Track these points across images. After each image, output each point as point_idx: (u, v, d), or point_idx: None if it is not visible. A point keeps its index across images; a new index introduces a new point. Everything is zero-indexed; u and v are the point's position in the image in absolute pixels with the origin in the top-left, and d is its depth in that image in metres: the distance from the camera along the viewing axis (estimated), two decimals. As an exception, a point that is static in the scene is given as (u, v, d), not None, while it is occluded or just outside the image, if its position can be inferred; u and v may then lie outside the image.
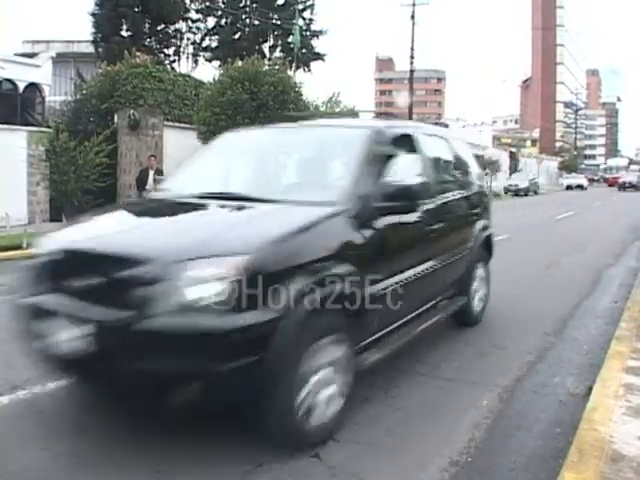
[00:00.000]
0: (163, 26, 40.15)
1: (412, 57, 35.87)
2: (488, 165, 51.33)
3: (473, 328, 7.40)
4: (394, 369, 5.87)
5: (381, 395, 5.25)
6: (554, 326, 7.61)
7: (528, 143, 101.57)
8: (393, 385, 5.48)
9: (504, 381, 5.63)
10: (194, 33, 44.18)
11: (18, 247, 13.96)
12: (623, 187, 61.86)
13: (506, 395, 5.31)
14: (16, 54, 29.67)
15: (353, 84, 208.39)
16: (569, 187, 66.51)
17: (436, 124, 8.76)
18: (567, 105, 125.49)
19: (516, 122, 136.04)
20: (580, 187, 65.39)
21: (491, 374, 5.83)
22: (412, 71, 36.47)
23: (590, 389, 5.14)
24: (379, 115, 10.09)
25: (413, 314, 5.72)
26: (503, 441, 4.49)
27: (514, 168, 65.14)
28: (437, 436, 4.58)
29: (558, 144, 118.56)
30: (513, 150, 71.08)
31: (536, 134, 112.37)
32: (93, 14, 37.34)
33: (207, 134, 21.07)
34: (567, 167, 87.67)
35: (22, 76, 23.97)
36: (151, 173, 16.42)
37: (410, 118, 37.28)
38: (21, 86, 21.88)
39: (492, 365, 6.12)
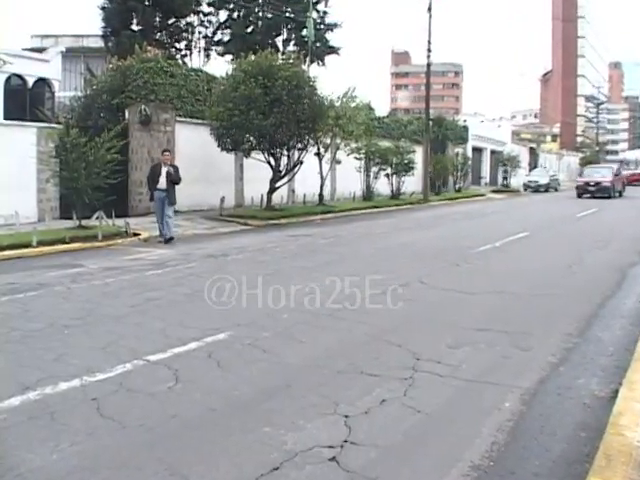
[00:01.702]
0: (174, 20, 40.25)
1: (429, 50, 35.64)
2: (507, 161, 51.11)
3: (494, 329, 7.36)
4: (413, 370, 5.86)
5: (400, 397, 5.23)
6: (577, 326, 7.56)
7: (548, 138, 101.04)
8: (412, 387, 5.46)
9: (526, 383, 5.59)
10: (206, 27, 44.26)
11: (28, 245, 14.04)
12: (584, 191, 39.62)
13: (529, 397, 5.27)
14: (24, 49, 29.85)
15: (368, 78, 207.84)
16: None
17: None
18: (588, 99, 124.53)
19: (536, 117, 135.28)
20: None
21: (513, 376, 5.80)
22: (429, 65, 36.23)
23: (616, 392, 5.09)
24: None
25: None
26: (526, 445, 4.45)
27: (534, 164, 64.83)
28: (458, 439, 4.55)
29: (579, 139, 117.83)
30: (533, 146, 70.80)
31: (556, 129, 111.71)
32: (103, 8, 37.47)
33: (220, 130, 21.10)
34: (589, 163, 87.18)
35: (31, 71, 24.14)
36: (164, 170, 16.19)
37: (427, 113, 37.13)
38: (30, 81, 22.03)
39: (514, 366, 6.08)
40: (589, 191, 39.19)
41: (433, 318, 8.03)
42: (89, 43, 41.52)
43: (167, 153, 16.99)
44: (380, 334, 7.12)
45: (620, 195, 40.62)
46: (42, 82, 24.96)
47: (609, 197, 37.86)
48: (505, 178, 50.71)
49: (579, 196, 39.28)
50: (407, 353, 6.41)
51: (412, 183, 36.82)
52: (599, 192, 38.41)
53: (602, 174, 40.26)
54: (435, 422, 4.84)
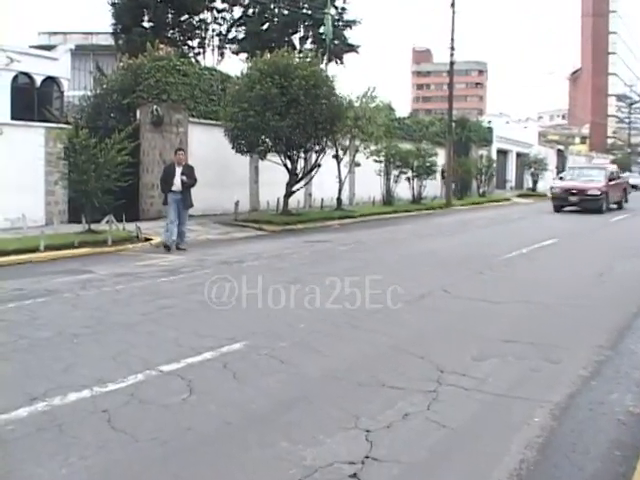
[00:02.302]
0: (187, 16, 40.46)
1: (452, 48, 35.57)
2: (533, 164, 50.89)
3: (522, 340, 7.32)
4: (437, 383, 5.84)
5: (424, 411, 5.22)
6: (609, 338, 7.50)
7: (577, 140, 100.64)
8: (437, 400, 5.44)
9: (556, 397, 5.55)
10: (220, 24, 44.46)
11: (35, 250, 14.14)
12: (564, 202, 29.48)
13: (559, 412, 5.23)
14: (32, 46, 30.11)
15: (388, 77, 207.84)
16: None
17: None
18: (620, 98, 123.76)
19: (564, 117, 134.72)
20: (635, 187, 64.28)
21: (542, 389, 5.76)
22: (452, 63, 36.17)
23: (652, 408, 5.05)
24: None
25: None
26: (558, 463, 4.42)
27: (562, 167, 64.47)
28: (485, 456, 4.53)
29: (610, 141, 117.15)
30: (561, 148, 70.46)
31: (586, 130, 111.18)
32: (113, 4, 37.75)
33: (234, 131, 21.16)
34: (620, 165, 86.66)
35: (39, 69, 24.34)
36: (178, 170, 16.01)
37: (450, 114, 37.06)
38: (38, 80, 22.22)
39: (543, 380, 6.04)
40: (570, 202, 29.15)
41: (457, 329, 8.01)
42: (99, 41, 41.84)
43: (181, 152, 16.66)
44: (402, 345, 7.11)
45: (620, 207, 32.19)
46: (50, 81, 25.16)
47: (599, 212, 28.23)
48: (535, 182, 50.38)
49: (557, 210, 29.56)
50: (430, 365, 6.39)
51: (434, 187, 36.78)
52: (585, 204, 28.53)
53: (591, 178, 30.41)
54: (461, 438, 4.81)
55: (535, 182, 50.70)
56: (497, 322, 8.32)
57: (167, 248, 15.47)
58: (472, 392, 5.66)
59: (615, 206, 31.49)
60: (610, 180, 30.46)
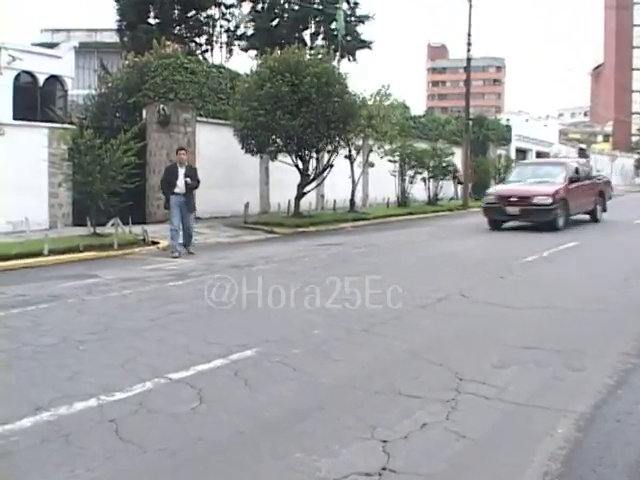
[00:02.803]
0: (194, 12, 40.59)
1: (469, 43, 35.51)
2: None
3: (544, 347, 7.29)
4: (456, 391, 5.82)
5: (443, 420, 5.19)
6: (636, 345, 7.45)
7: (599, 138, 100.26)
8: (456, 410, 5.42)
9: (581, 407, 5.51)
10: (228, 20, 44.60)
11: (39, 254, 14.20)
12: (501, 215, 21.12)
13: (584, 423, 5.19)
14: (34, 44, 30.23)
15: (403, 74, 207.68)
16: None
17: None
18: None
19: (585, 115, 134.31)
20: None
21: (566, 399, 5.72)
22: (469, 59, 36.11)
23: (683, 418, 5.00)
24: None
25: None
26: (583, 476, 4.38)
27: (584, 166, 64.19)
28: (507, 468, 4.50)
29: (635, 139, 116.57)
30: (582, 146, 70.27)
31: (609, 128, 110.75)
32: (117, 0, 37.87)
33: (244, 131, 21.20)
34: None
35: (42, 68, 24.43)
36: (181, 171, 15.74)
37: (467, 112, 36.99)
38: (41, 79, 22.32)
39: (567, 389, 6.01)
40: (510, 215, 21.32)
41: (476, 334, 7.98)
42: (103, 38, 42.05)
43: (183, 152, 16.27)
44: (419, 352, 7.09)
45: (594, 219, 24.16)
46: (54, 80, 25.24)
47: (553, 227, 20.58)
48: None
49: (493, 227, 21.81)
50: (449, 373, 6.37)
51: (450, 188, 36.74)
52: (530, 217, 21.17)
53: (544, 179, 22.23)
54: (481, 449, 4.79)
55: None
56: (517, 328, 8.29)
57: (177, 255, 15.10)
58: (492, 401, 5.63)
59: (587, 217, 24.11)
60: (573, 181, 22.11)
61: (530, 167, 25.43)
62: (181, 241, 15.69)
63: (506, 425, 5.20)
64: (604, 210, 24.66)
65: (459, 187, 37.64)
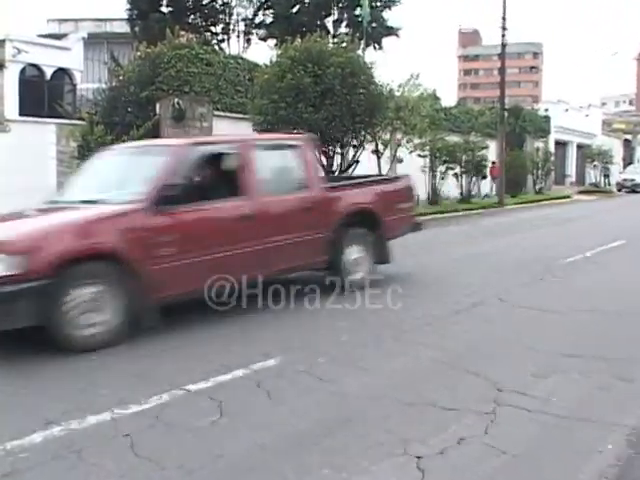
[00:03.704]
0: (209, 0, 40.66)
1: (504, 28, 35.31)
2: (596, 156, 50.34)
3: (589, 355, 7.23)
4: (494, 402, 5.78)
5: (481, 435, 5.16)
6: (691, 352, 7.38)
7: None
8: (494, 423, 5.38)
9: (632, 420, 5.45)
10: (245, 7, 44.66)
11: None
12: None
13: (636, 439, 5.12)
14: (40, 35, 30.43)
15: (433, 63, 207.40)
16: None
17: None
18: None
19: (631, 103, 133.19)
20: None
21: (614, 411, 5.67)
22: (504, 45, 35.89)
23: None
24: None
25: None
26: (637, 497, 4.34)
27: (629, 159, 63.72)
28: (551, 486, 4.47)
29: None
30: (628, 137, 69.62)
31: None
32: (128, -13, 38.12)
33: (264, 125, 21.20)
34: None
35: (49, 60, 24.59)
36: None
37: (502, 102, 36.78)
38: (48, 72, 22.47)
39: (616, 401, 5.95)
40: None
41: (515, 341, 7.92)
42: (113, 28, 42.22)
43: None
44: (454, 360, 7.06)
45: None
46: (62, 73, 25.39)
47: None
48: (607, 176, 49.73)
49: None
50: (486, 383, 6.33)
51: (485, 184, 36.58)
52: None
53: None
54: (523, 465, 4.75)
55: (606, 176, 50.09)
56: (560, 334, 8.23)
57: None
58: (534, 414, 5.59)
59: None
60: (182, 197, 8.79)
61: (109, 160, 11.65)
62: None
63: (549, 440, 5.15)
64: (381, 260, 11.77)
65: (491, 183, 37.47)
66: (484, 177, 34.82)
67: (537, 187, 42.02)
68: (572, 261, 14.09)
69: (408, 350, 7.48)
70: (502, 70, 37.25)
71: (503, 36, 35.64)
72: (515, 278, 12.20)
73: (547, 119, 50.15)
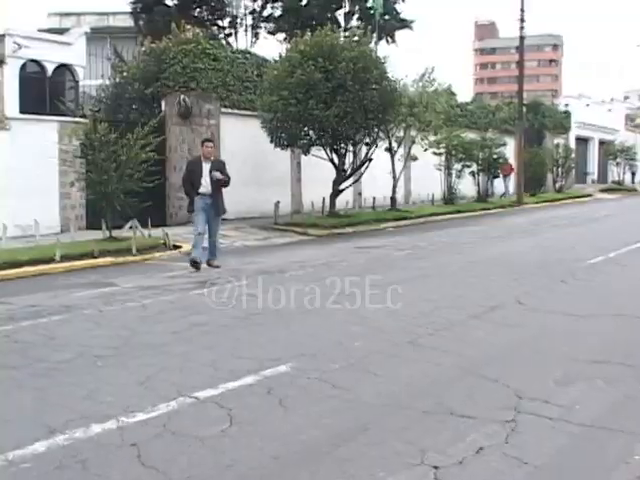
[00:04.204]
0: (216, -8, 40.69)
1: (522, 20, 35.28)
2: (619, 153, 50.15)
3: (614, 361, 7.19)
4: (515, 411, 5.75)
5: (501, 444, 5.13)
6: None
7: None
8: (515, 432, 5.35)
9: (660, 430, 5.43)
10: (253, 0, 44.61)
11: (50, 260, 14.32)
12: None
13: (665, 449, 5.11)
14: (41, 30, 30.49)
15: (448, 57, 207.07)
16: None
17: None
18: None
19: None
20: None
21: (642, 420, 5.65)
22: (522, 37, 35.83)
23: None
24: None
25: None
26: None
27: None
28: (576, 498, 4.45)
29: None
30: (652, 133, 69.35)
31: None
32: (132, -20, 38.20)
33: (273, 122, 21.23)
34: None
35: (50, 56, 24.57)
36: (206, 167, 14.30)
37: (520, 97, 36.71)
38: (49, 68, 22.43)
39: (641, 408, 5.93)
40: None
41: (536, 347, 7.90)
42: (117, 22, 42.33)
43: (209, 144, 15.01)
44: (472, 367, 7.04)
45: None
46: (63, 69, 25.34)
47: None
48: (633, 174, 49.50)
49: None
50: (507, 390, 6.31)
51: (510, 181, 36.56)
52: None
53: None
54: (545, 477, 4.73)
55: (633, 174, 49.85)
56: (583, 339, 8.20)
57: (196, 267, 13.84)
58: (557, 422, 5.56)
59: None
60: None
61: None
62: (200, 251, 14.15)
63: (573, 450, 5.12)
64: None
65: (509, 181, 37.39)
66: (495, 176, 34.73)
67: (557, 185, 41.90)
68: (595, 262, 14.05)
69: (425, 356, 7.46)
70: (520, 63, 37.20)
71: (521, 28, 35.59)
72: (535, 281, 12.17)
73: (567, 114, 50.02)
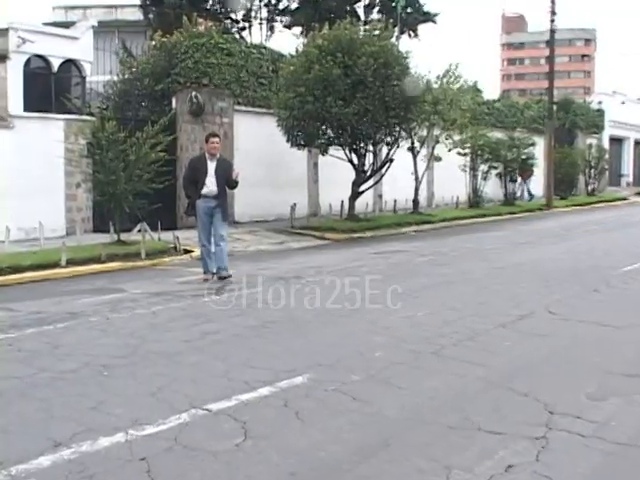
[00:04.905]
0: (229, -16, 40.74)
1: (553, 12, 35.18)
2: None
3: (650, 373, 7.16)
4: (546, 427, 5.73)
5: (531, 462, 5.11)
6: None
7: None
8: (546, 449, 5.33)
9: (701, 448, 5.39)
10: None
11: (55, 265, 14.38)
12: None
13: None
14: (46, 23, 30.66)
15: (473, 52, 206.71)
16: None
17: None
18: None
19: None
20: None
21: (681, 438, 5.61)
22: (553, 31, 35.72)
23: None
24: None
25: None
26: None
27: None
28: (611, 520, 4.43)
29: None
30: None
31: None
32: (141, -29, 38.30)
33: (290, 121, 21.25)
34: None
35: (56, 51, 24.69)
36: (211, 166, 13.48)
37: (550, 94, 36.61)
38: (55, 63, 22.54)
39: (681, 425, 5.89)
40: None
41: (568, 359, 7.87)
42: (125, 15, 42.47)
43: (215, 139, 13.87)
44: (500, 379, 7.02)
45: None
46: (70, 64, 25.44)
47: None
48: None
49: None
50: (537, 405, 6.29)
51: (531, 184, 36.42)
52: None
53: None
54: (579, 496, 4.72)
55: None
56: (618, 351, 8.16)
57: (206, 280, 13.43)
58: (590, 440, 5.53)
59: None
60: None
61: None
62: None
63: (608, 470, 5.10)
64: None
65: (529, 184, 37.23)
66: (513, 180, 34.53)
67: (589, 188, 41.75)
68: (630, 270, 13.99)
69: (449, 367, 7.44)
70: (551, 59, 37.08)
71: (552, 21, 35.48)
72: (566, 288, 12.13)
73: (601, 112, 49.81)
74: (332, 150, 22.37)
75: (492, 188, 32.13)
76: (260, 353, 8.09)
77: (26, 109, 19.94)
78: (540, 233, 22.53)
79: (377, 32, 22.90)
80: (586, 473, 5.00)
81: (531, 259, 15.99)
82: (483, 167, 31.16)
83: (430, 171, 30.34)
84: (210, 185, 13.39)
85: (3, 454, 5.22)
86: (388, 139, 22.97)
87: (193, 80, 23.16)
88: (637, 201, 40.32)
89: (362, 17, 41.95)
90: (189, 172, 14.01)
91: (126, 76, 25.42)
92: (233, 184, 13.93)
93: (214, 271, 13.45)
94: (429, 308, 10.40)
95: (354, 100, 20.59)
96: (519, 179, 35.43)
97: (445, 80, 26.81)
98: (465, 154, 30.01)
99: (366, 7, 44.71)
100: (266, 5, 44.46)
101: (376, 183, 25.20)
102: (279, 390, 6.66)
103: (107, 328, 9.51)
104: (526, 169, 34.95)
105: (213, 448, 5.38)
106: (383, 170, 24.00)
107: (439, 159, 28.44)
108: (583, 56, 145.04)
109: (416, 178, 26.77)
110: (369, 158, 23.44)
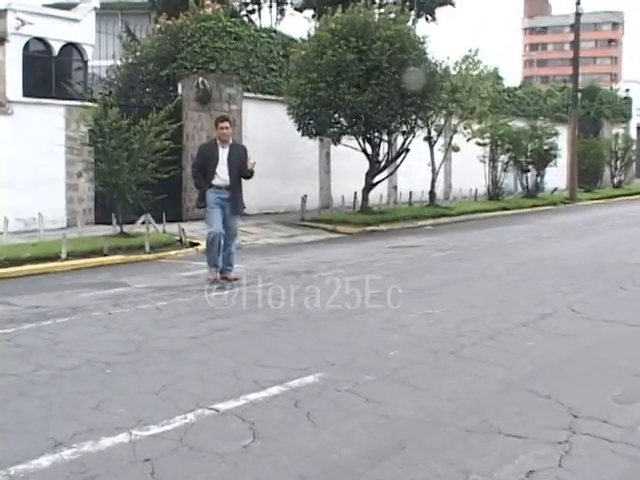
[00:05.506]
0: (238, -36, 40.74)
1: (578, -5, 35.09)
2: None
3: (679, 375, 7.13)
4: (569, 431, 5.71)
5: (554, 467, 5.09)
6: None
7: None
8: (570, 454, 5.31)
9: None
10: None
11: (55, 257, 14.42)
12: None
13: None
14: (46, 5, 30.69)
15: (494, 37, 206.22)
16: None
17: None
18: None
19: None
20: None
21: None
22: (578, 14, 35.58)
23: None
24: None
25: None
26: None
27: None
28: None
29: None
30: None
31: None
32: (146, -50, 38.32)
33: (301, 108, 21.24)
34: None
35: (57, 34, 24.74)
36: (223, 153, 12.74)
37: (575, 82, 36.47)
38: (56, 47, 22.58)
39: None
40: None
41: (592, 360, 7.85)
42: (128, -4, 42.47)
43: (225, 124, 13.02)
44: (521, 381, 7.00)
45: None
46: (71, 48, 25.48)
47: None
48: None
49: None
50: (559, 407, 6.27)
51: (554, 176, 36.29)
52: None
53: None
54: (605, 504, 4.70)
55: None
56: (645, 351, 8.14)
57: (213, 280, 12.64)
58: (617, 445, 5.50)
59: None
60: None
61: None
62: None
63: (636, 476, 5.09)
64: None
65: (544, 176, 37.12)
66: (525, 171, 34.36)
67: (615, 180, 41.63)
68: (658, 267, 13.96)
69: (468, 368, 7.43)
70: (575, 44, 36.94)
71: (577, 3, 35.34)
72: (591, 286, 12.10)
73: (628, 101, 49.64)
74: (345, 139, 22.38)
75: (513, 180, 32.06)
76: (270, 351, 8.09)
77: (25, 94, 19.98)
78: (563, 227, 22.49)
79: (393, 15, 22.87)
80: (613, 479, 4.98)
81: (554, 254, 15.95)
82: (503, 158, 31.10)
83: (447, 162, 30.29)
84: (221, 174, 12.66)
85: (1, 454, 5.24)
86: (404, 128, 22.95)
87: (200, 65, 23.17)
88: (666, 194, 40.14)
89: (377, 0, 41.90)
90: (199, 160, 13.27)
91: (130, 61, 25.46)
92: (248, 174, 13.05)
93: (220, 266, 12.69)
94: (447, 305, 10.41)
95: (368, 87, 20.57)
96: (531, 170, 35.33)
97: (464, 66, 26.76)
98: (484, 144, 29.95)
99: (381, -11, 44.71)
100: (277, -14, 44.50)
101: (391, 174, 25.22)
102: (289, 390, 6.66)
103: (109, 324, 9.53)
104: (541, 159, 34.87)
105: (220, 449, 5.38)
106: (398, 161, 24.00)
107: (457, 149, 28.40)
108: (610, 41, 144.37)
109: (433, 169, 26.74)
110: (384, 148, 23.42)
